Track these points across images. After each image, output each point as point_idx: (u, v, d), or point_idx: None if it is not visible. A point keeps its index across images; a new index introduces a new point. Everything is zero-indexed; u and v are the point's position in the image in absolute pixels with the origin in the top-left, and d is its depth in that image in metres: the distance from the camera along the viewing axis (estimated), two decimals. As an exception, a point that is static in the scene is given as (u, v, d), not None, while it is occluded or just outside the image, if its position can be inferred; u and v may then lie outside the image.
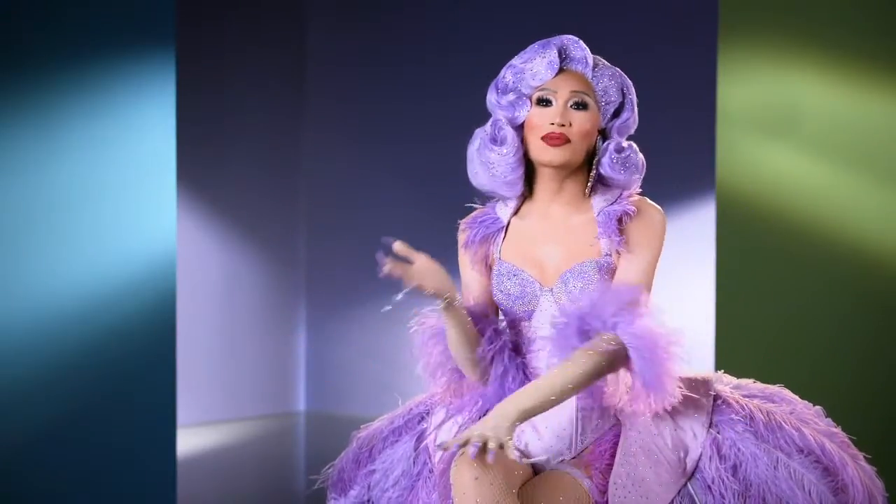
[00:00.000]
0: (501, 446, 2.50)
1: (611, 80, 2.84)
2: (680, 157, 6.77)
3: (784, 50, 4.87)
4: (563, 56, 2.83)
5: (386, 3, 8.26)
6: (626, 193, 2.83)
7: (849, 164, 4.78)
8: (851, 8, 4.79)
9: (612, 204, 2.81)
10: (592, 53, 2.87)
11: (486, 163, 2.82)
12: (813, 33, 4.83)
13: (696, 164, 6.76)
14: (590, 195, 2.84)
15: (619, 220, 2.79)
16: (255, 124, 8.16)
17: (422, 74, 7.99)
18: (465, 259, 2.89)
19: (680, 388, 2.67)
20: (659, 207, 2.83)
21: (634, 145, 2.86)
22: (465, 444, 2.51)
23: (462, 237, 2.90)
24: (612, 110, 2.83)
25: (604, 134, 2.84)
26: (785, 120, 4.87)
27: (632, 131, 2.88)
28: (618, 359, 2.64)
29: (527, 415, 2.58)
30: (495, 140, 2.82)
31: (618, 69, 2.88)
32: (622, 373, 2.67)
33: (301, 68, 8.40)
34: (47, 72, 4.50)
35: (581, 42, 2.85)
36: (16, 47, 4.44)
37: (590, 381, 2.63)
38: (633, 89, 2.87)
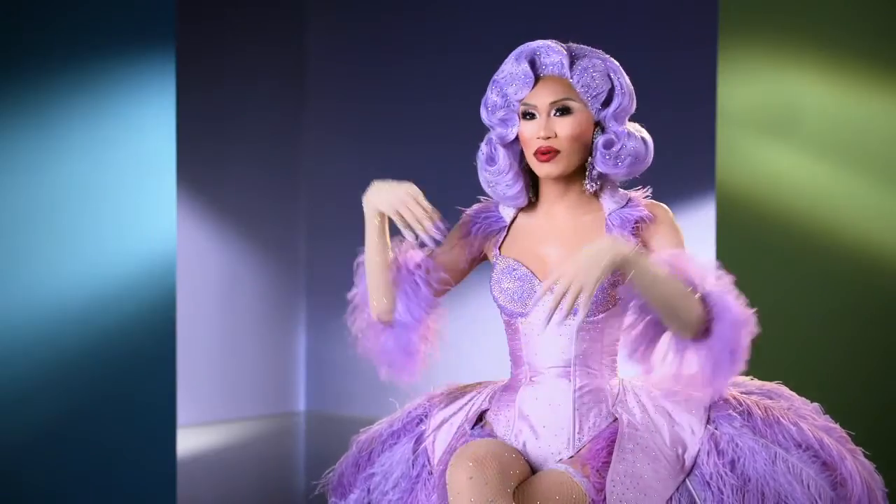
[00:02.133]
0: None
1: (594, 72, 2.79)
2: (680, 157, 6.76)
3: (784, 50, 4.87)
4: (536, 65, 2.80)
5: (386, 3, 8.26)
6: (634, 197, 2.83)
7: (849, 164, 4.78)
8: (851, 8, 4.79)
9: (623, 207, 2.81)
10: (573, 43, 2.83)
11: (487, 181, 2.86)
12: (813, 33, 4.83)
13: (696, 164, 6.76)
14: (596, 194, 2.84)
15: (636, 226, 2.78)
16: (255, 124, 8.16)
17: (422, 74, 7.99)
18: (455, 233, 2.89)
19: (678, 387, 2.68)
20: (667, 208, 2.83)
21: (631, 129, 2.82)
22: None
23: (464, 219, 2.90)
24: (601, 100, 2.79)
25: (601, 125, 2.82)
26: (785, 120, 4.86)
27: (631, 112, 2.83)
28: (698, 315, 2.62)
29: (626, 265, 2.58)
30: (490, 159, 2.84)
31: (600, 55, 2.82)
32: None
33: (301, 68, 8.40)
34: (47, 72, 4.50)
35: (552, 44, 2.80)
36: (16, 47, 4.44)
37: (684, 315, 2.60)
38: (620, 71, 2.82)
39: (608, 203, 2.82)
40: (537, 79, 2.79)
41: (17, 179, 4.42)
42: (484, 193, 2.92)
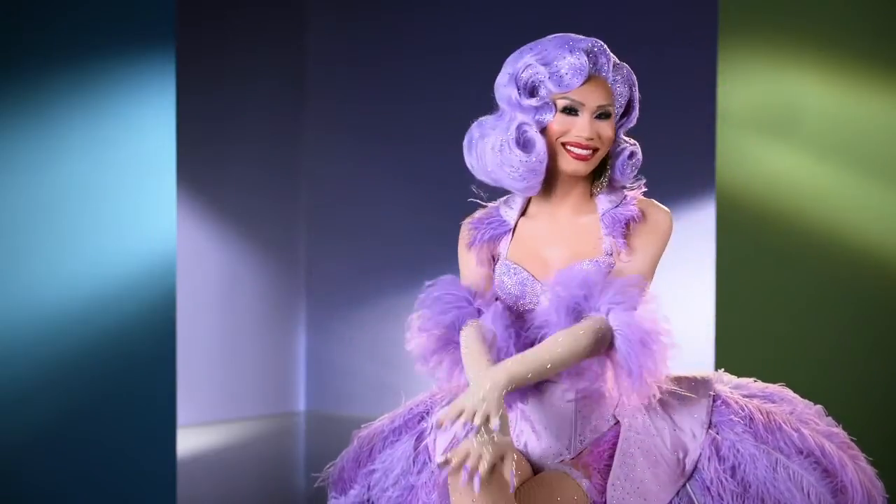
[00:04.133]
0: (498, 461, 2.48)
1: (624, 84, 2.81)
2: (680, 157, 6.76)
3: (784, 50, 4.87)
4: (591, 63, 2.75)
5: (386, 3, 8.26)
6: (630, 196, 2.82)
7: (849, 164, 4.78)
8: (851, 8, 4.79)
9: (617, 206, 2.80)
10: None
11: (507, 164, 2.74)
12: (813, 33, 4.83)
13: (696, 164, 6.76)
14: (593, 193, 2.84)
15: (626, 225, 2.78)
16: (255, 124, 8.16)
17: (422, 74, 7.99)
18: (469, 257, 2.87)
19: (660, 386, 2.67)
20: (666, 209, 2.81)
21: (637, 144, 2.86)
22: (462, 457, 2.46)
23: (467, 237, 2.87)
24: (622, 110, 2.82)
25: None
26: (785, 120, 4.86)
27: (632, 125, 2.86)
28: (603, 343, 2.63)
29: (515, 381, 2.56)
30: (519, 143, 2.73)
31: (625, 65, 2.83)
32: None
33: (301, 68, 8.40)
34: (47, 72, 4.50)
35: (605, 47, 2.77)
36: (16, 47, 4.44)
37: (573, 361, 2.61)
38: (637, 84, 2.84)
39: (603, 203, 2.81)
40: (587, 77, 2.75)
41: (17, 179, 4.42)
42: (473, 192, 2.91)
